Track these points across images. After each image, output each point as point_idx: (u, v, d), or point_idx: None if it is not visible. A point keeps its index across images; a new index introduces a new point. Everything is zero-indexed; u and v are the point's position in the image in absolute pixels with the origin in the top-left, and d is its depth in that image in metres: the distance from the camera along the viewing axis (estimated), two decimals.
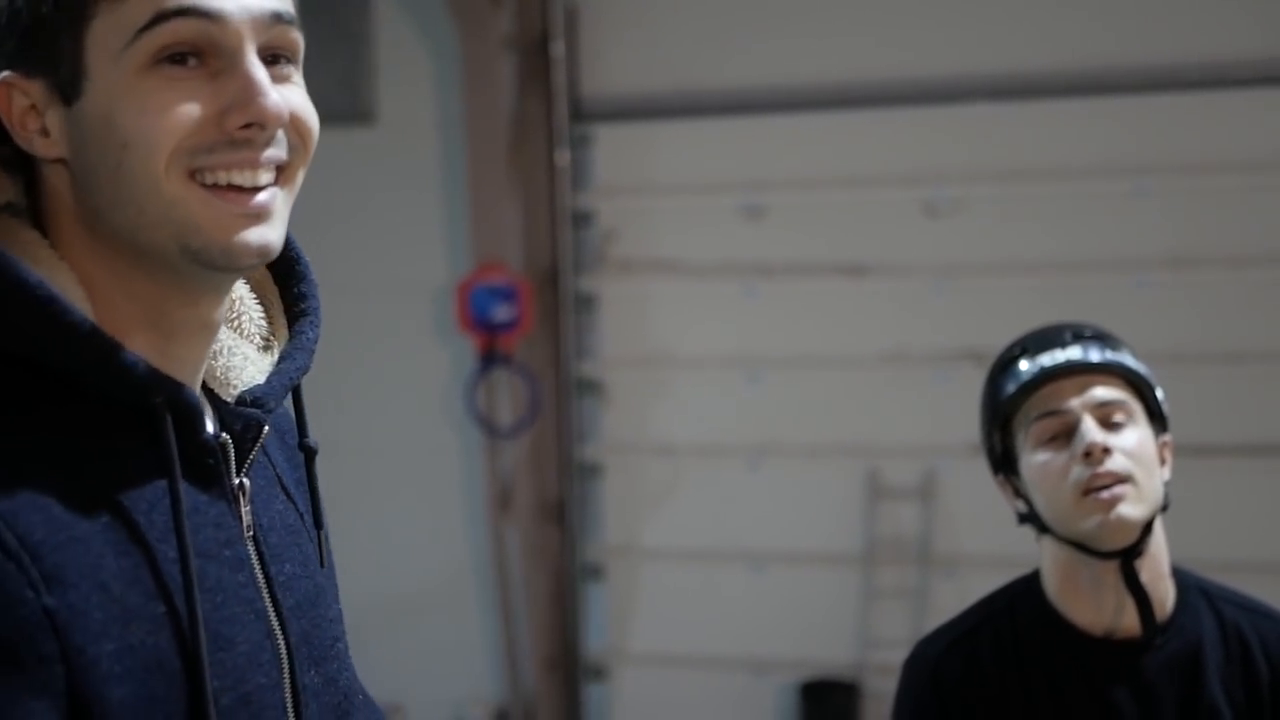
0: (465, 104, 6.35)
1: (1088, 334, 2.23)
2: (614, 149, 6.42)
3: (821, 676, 6.24)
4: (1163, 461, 2.23)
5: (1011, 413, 2.24)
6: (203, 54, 1.15)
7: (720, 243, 6.27)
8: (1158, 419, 2.23)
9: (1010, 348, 2.28)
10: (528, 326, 6.32)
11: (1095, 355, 2.19)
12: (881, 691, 5.90)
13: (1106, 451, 2.12)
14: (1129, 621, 2.19)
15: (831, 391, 6.19)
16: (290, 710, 1.28)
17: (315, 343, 1.37)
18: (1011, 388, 2.23)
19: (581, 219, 6.44)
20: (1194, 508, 5.06)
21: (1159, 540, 2.21)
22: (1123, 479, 2.12)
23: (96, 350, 1.14)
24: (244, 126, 1.16)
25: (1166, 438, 2.25)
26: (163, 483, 1.18)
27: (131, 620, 1.12)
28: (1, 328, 1.13)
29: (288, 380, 1.33)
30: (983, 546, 5.84)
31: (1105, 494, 2.11)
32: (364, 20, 6.50)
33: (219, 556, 1.22)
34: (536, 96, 6.32)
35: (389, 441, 6.58)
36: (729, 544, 6.34)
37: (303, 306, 1.38)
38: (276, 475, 1.39)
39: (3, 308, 1.12)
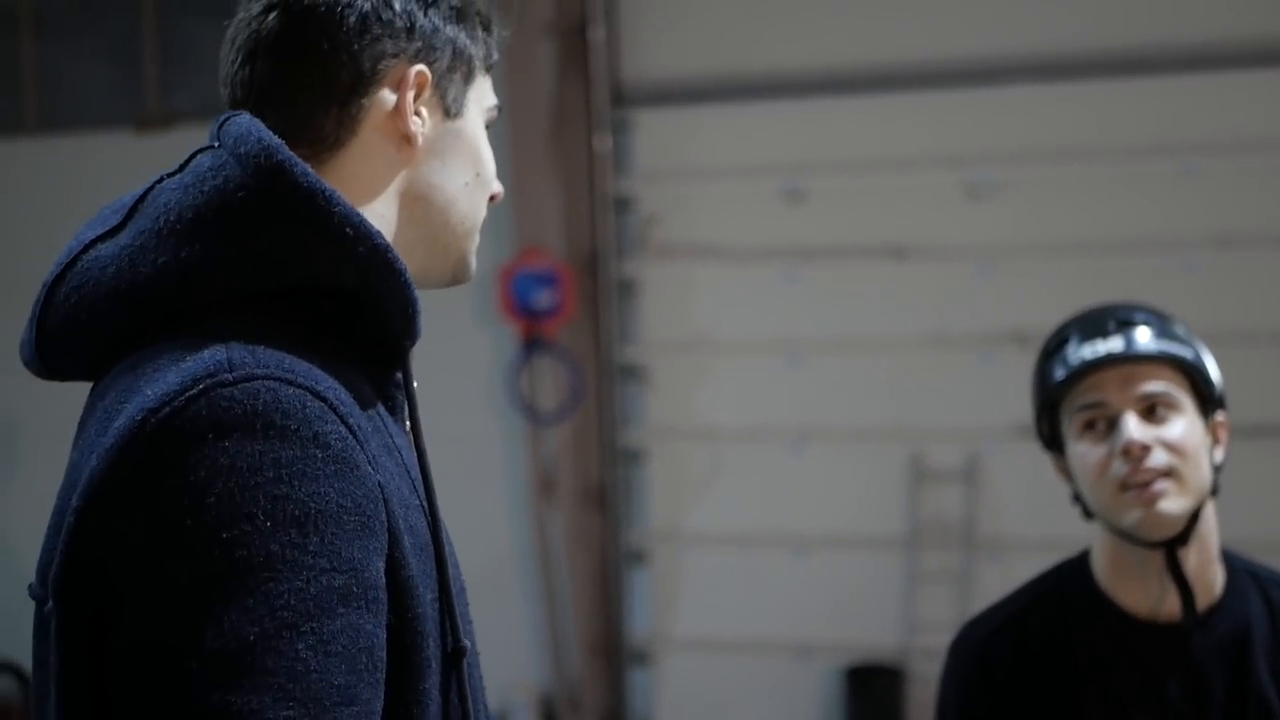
0: (505, 90, 6.28)
1: (1137, 319, 2.18)
2: (654, 134, 6.42)
3: (866, 661, 6.23)
4: (1217, 441, 2.20)
5: (1057, 400, 2.22)
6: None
7: (761, 227, 6.26)
8: (1210, 401, 2.19)
9: (1058, 331, 2.25)
10: (569, 312, 6.33)
11: (1139, 346, 2.15)
12: (926, 675, 5.89)
13: (1146, 449, 2.09)
14: (1177, 606, 2.17)
15: (874, 375, 6.17)
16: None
17: None
18: (1055, 377, 2.20)
19: (622, 204, 6.44)
20: (1244, 488, 5.02)
21: (1208, 524, 2.17)
22: (1164, 474, 2.09)
23: (404, 285, 1.38)
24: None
25: (1221, 417, 2.21)
26: (383, 408, 1.42)
27: (409, 507, 1.35)
28: (325, 261, 1.34)
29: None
30: (1027, 529, 5.82)
31: (1145, 491, 2.09)
32: None
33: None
34: (576, 82, 6.31)
35: (431, 428, 6.54)
36: (772, 528, 6.33)
37: None
38: None
39: (340, 242, 1.34)
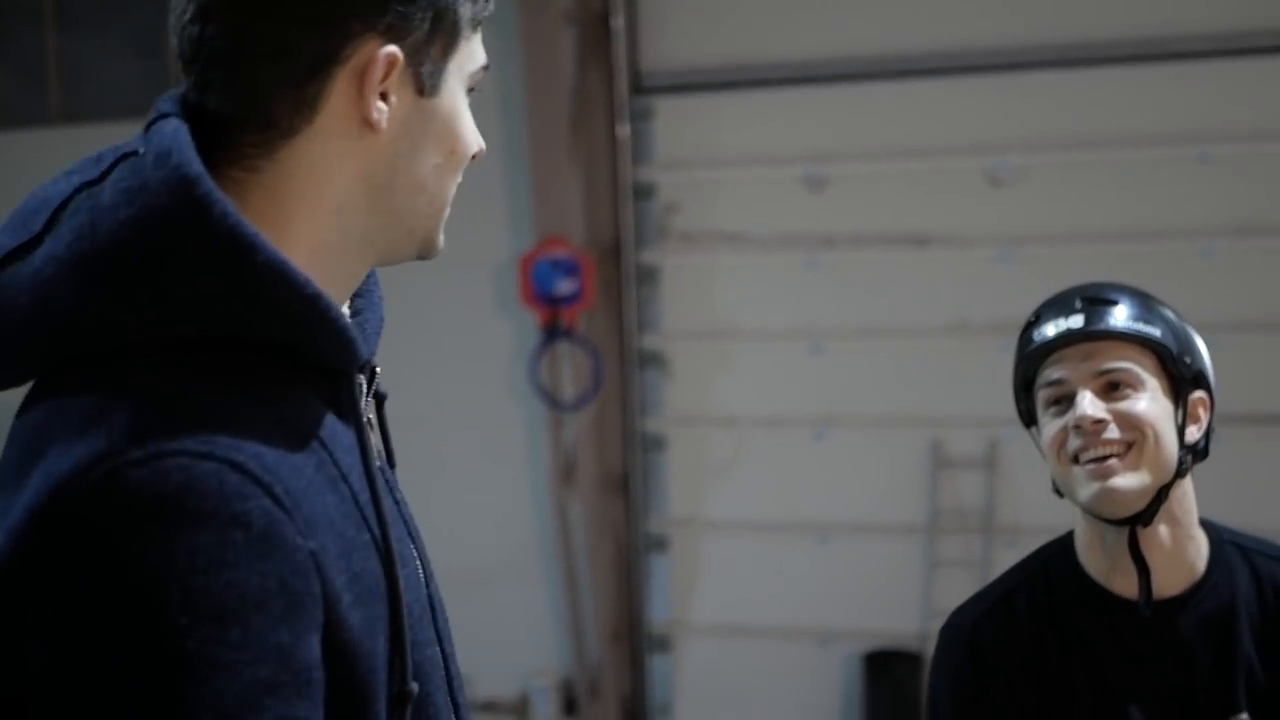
0: (526, 79, 6.37)
1: (1106, 297, 2.18)
2: (675, 122, 6.43)
3: (885, 646, 6.26)
4: (1194, 420, 2.18)
5: (1030, 377, 2.24)
6: None
7: (782, 214, 6.27)
8: (1184, 381, 2.17)
9: (1035, 311, 2.27)
10: (590, 300, 6.35)
11: (1099, 323, 2.15)
12: None
13: (1099, 424, 2.10)
14: (1157, 582, 2.16)
15: (894, 362, 6.18)
16: (431, 618, 1.42)
17: (382, 299, 1.51)
18: (1023, 354, 2.23)
19: (643, 192, 6.45)
20: (1260, 475, 5.03)
21: (1182, 503, 2.17)
22: (1119, 449, 2.10)
23: (338, 331, 1.28)
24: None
25: (1199, 395, 2.19)
26: (338, 422, 1.32)
27: (352, 551, 1.25)
28: (247, 313, 1.24)
29: (378, 329, 1.47)
30: (1046, 516, 5.76)
31: (1094, 466, 2.10)
32: None
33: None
34: (597, 70, 6.33)
35: (453, 415, 6.62)
36: (792, 515, 6.35)
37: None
38: None
39: (262, 294, 1.23)
